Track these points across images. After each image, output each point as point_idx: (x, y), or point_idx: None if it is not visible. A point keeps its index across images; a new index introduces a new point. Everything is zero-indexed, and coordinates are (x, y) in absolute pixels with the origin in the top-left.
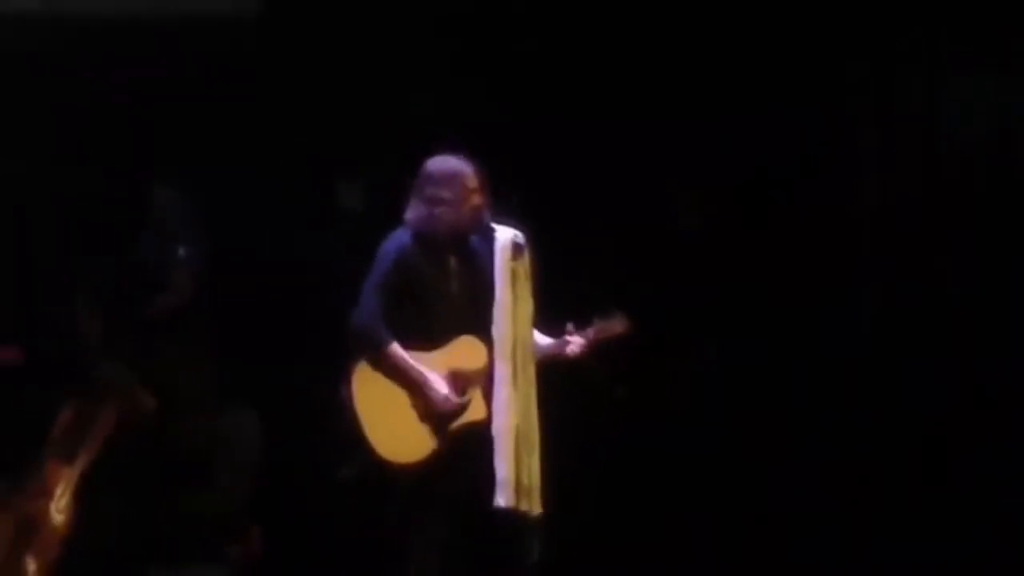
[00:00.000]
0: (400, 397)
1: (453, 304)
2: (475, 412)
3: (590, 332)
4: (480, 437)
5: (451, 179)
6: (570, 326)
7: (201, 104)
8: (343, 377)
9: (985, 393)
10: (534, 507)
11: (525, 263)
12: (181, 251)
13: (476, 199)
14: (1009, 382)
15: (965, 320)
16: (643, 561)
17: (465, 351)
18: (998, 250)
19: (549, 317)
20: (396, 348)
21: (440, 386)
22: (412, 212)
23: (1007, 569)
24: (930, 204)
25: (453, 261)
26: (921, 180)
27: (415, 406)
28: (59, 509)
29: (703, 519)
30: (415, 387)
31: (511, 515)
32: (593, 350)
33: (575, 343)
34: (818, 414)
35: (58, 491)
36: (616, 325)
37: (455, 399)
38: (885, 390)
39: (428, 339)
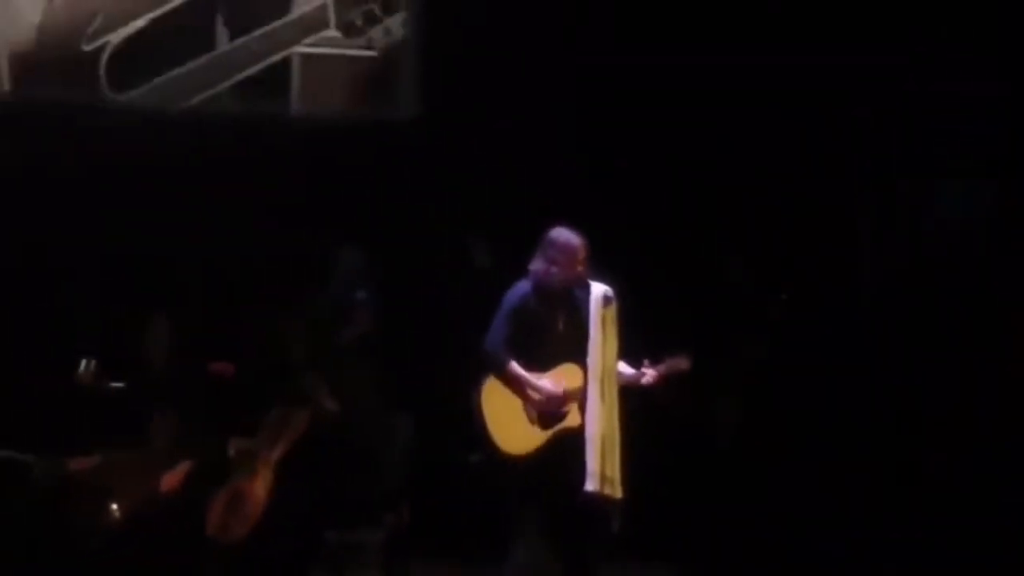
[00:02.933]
0: (516, 405)
1: (559, 339)
2: (572, 420)
3: (661, 367)
4: (575, 439)
5: (566, 249)
6: (647, 362)
7: (374, 186)
8: (475, 388)
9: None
10: (616, 492)
11: (613, 311)
12: (362, 295)
13: (581, 267)
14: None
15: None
16: (703, 531)
17: (567, 374)
18: (971, 309)
19: (629, 350)
20: (515, 366)
21: (550, 385)
22: (535, 265)
23: (1008, 569)
24: (919, 273)
25: (560, 307)
26: (910, 256)
27: (527, 412)
28: (262, 485)
29: (746, 501)
30: (528, 396)
31: (597, 498)
32: (662, 382)
33: (648, 376)
34: (835, 425)
35: (262, 472)
36: (681, 363)
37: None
38: (889, 394)
39: (539, 364)
